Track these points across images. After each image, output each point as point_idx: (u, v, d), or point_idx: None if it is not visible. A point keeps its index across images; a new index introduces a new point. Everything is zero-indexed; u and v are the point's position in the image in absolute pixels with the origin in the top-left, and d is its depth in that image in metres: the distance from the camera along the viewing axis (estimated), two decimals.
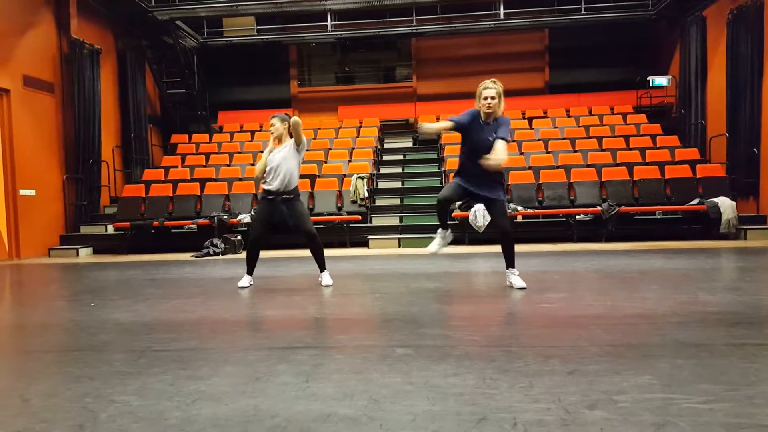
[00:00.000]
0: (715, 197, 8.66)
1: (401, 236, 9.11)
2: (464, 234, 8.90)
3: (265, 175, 4.73)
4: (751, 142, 9.38)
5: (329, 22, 12.62)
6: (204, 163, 11.62)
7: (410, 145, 13.13)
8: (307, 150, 11.53)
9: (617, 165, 9.92)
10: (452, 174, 4.50)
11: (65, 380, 2.34)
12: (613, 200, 8.98)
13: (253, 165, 11.00)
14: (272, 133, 4.78)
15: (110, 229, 9.83)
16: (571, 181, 9.57)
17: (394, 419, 1.81)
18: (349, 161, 11.12)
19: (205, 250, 8.42)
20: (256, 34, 13.45)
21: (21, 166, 9.04)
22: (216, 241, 8.60)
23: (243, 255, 5.26)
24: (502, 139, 4.01)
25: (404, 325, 3.19)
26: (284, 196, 4.68)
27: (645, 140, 10.99)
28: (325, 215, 9.44)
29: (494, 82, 4.11)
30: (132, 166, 12.00)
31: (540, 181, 9.65)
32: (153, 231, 9.39)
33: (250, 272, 4.89)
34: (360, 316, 3.63)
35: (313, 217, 9.32)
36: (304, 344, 2.82)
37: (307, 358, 2.56)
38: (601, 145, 10.93)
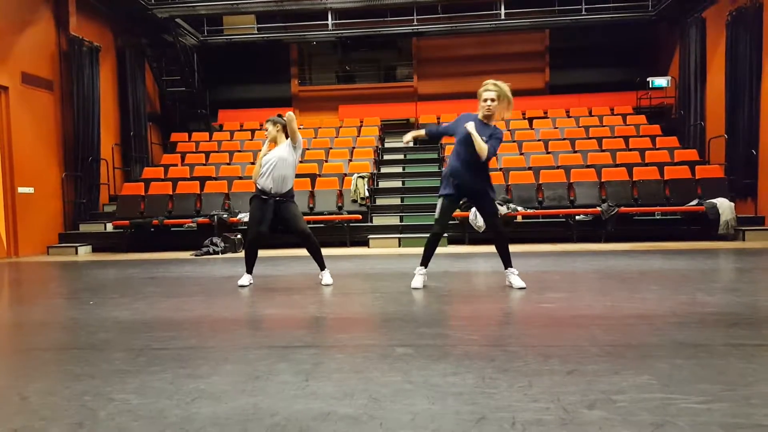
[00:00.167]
0: (714, 198, 8.67)
1: (401, 236, 9.11)
2: (464, 234, 8.91)
3: (260, 175, 4.75)
4: (750, 144, 9.39)
5: (330, 21, 12.61)
6: (204, 162, 11.61)
7: (411, 144, 13.10)
8: (308, 149, 11.63)
9: (617, 166, 9.93)
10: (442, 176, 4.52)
11: (64, 378, 2.34)
12: (613, 201, 8.99)
13: (253, 164, 10.99)
14: (266, 137, 4.83)
15: (109, 227, 9.83)
16: (571, 181, 9.58)
17: (394, 418, 1.81)
18: (350, 160, 11.12)
19: (204, 249, 8.42)
20: (256, 32, 13.45)
21: (20, 164, 9.03)
22: (216, 239, 8.60)
23: (242, 254, 5.26)
24: (488, 144, 4.09)
25: (404, 324, 3.19)
26: (278, 198, 4.69)
27: (644, 141, 11.00)
28: (325, 214, 9.44)
29: (495, 84, 4.13)
30: (131, 164, 12.00)
31: (540, 182, 9.65)
32: (152, 229, 9.39)
33: (249, 271, 4.90)
34: (360, 315, 3.63)
35: (313, 216, 9.41)
36: (304, 343, 2.83)
37: (307, 356, 2.56)
38: (601, 145, 10.94)
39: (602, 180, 9.53)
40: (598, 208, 8.76)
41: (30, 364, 2.61)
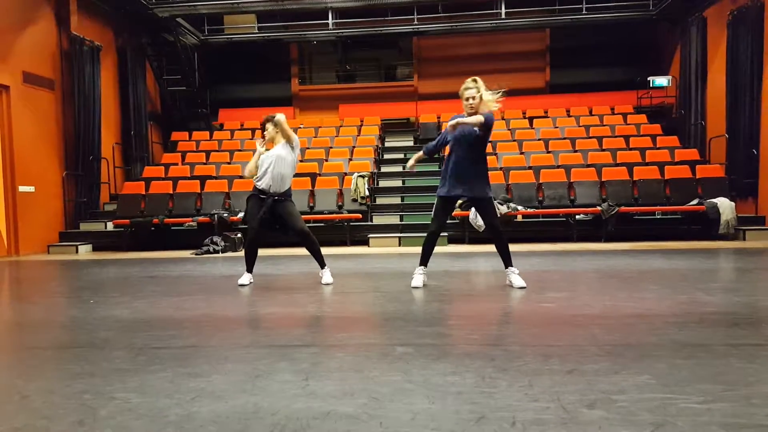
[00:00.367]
0: (715, 198, 8.67)
1: (402, 235, 9.11)
2: (464, 233, 8.91)
3: (258, 174, 4.76)
4: (751, 143, 9.38)
5: (330, 20, 12.60)
6: (204, 161, 11.61)
7: (411, 143, 13.12)
8: (308, 148, 11.63)
9: (617, 165, 9.93)
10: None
11: (64, 377, 2.34)
12: (613, 200, 8.99)
13: None
14: (265, 137, 4.86)
15: (110, 226, 9.84)
16: (571, 181, 9.58)
17: (394, 417, 1.81)
18: (350, 160, 11.12)
19: (205, 248, 8.43)
20: (257, 31, 13.45)
21: (20, 163, 9.03)
22: (216, 238, 8.60)
23: (243, 253, 5.26)
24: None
25: (404, 323, 3.20)
26: (275, 198, 4.70)
27: (645, 140, 10.99)
28: (325, 213, 9.45)
29: (474, 80, 4.23)
30: (132, 163, 11.99)
31: (540, 181, 9.65)
32: (153, 228, 9.40)
33: (249, 270, 4.90)
34: (360, 314, 3.63)
35: (313, 215, 9.42)
36: (304, 342, 2.83)
37: (307, 356, 2.56)
38: (602, 145, 10.94)
39: (602, 179, 9.53)
40: (599, 208, 8.76)
41: (30, 362, 2.61)
